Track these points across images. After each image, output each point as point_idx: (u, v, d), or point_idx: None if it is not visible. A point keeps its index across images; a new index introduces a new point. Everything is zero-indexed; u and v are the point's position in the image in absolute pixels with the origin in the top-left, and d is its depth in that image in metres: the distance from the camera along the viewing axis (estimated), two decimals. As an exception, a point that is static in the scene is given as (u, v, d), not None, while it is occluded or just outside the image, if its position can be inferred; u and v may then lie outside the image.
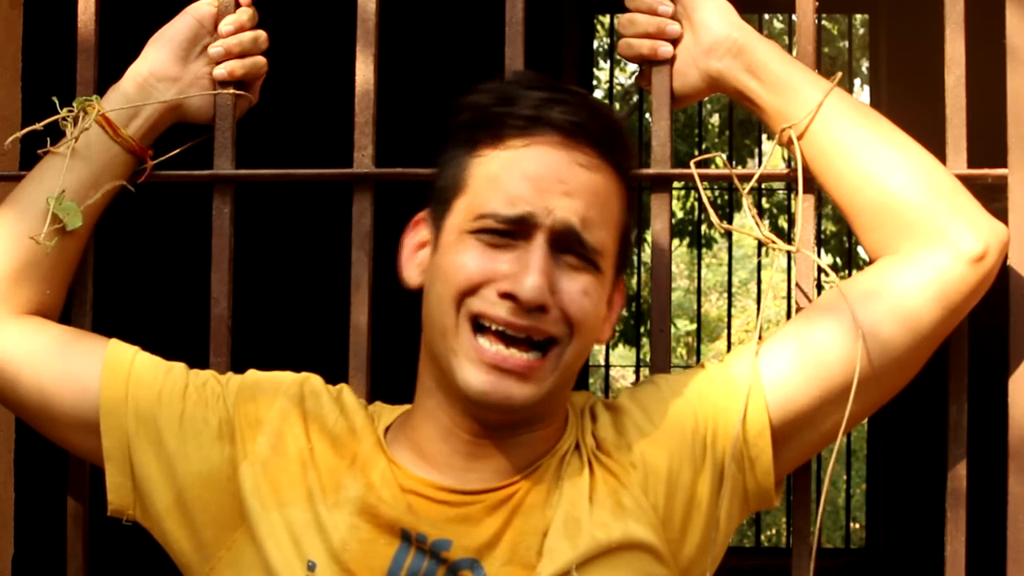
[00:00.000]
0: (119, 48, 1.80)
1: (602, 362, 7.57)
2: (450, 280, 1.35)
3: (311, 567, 1.35)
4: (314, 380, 1.49)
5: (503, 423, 1.38)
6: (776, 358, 1.44)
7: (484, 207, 1.35)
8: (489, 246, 1.34)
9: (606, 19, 7.10)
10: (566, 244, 1.35)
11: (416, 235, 1.45)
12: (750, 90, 1.53)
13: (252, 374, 1.50)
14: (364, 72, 1.63)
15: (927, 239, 1.43)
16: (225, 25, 1.62)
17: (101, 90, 1.63)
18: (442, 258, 1.38)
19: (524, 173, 1.35)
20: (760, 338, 1.46)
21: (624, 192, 1.42)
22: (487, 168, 1.37)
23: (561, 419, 1.44)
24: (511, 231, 1.34)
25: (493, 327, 1.33)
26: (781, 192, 7.88)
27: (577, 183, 1.35)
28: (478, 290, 1.33)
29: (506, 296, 1.32)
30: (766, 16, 7.30)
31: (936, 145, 1.51)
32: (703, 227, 7.83)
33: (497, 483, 1.38)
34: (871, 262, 1.50)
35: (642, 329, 7.60)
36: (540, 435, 1.41)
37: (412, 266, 1.44)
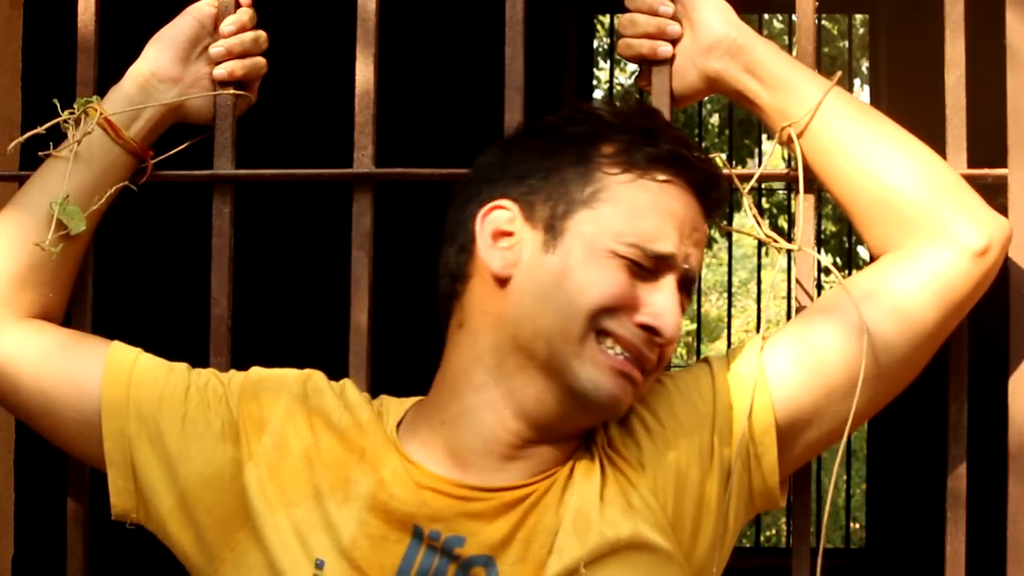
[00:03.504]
0: (119, 48, 1.80)
1: (602, 362, 7.56)
2: (586, 293, 1.35)
3: (319, 565, 1.34)
4: (317, 376, 1.48)
5: (583, 426, 1.40)
6: (779, 358, 1.44)
7: (634, 236, 1.36)
8: (631, 274, 1.36)
9: (606, 19, 7.10)
10: (684, 287, 1.39)
11: (494, 222, 1.40)
12: (749, 90, 1.53)
13: (255, 372, 1.50)
14: (364, 72, 1.63)
15: (929, 234, 1.43)
16: (227, 25, 1.62)
17: (101, 90, 1.63)
18: (569, 267, 1.36)
19: (671, 212, 1.37)
20: (762, 334, 1.46)
21: None
22: (633, 194, 1.37)
23: None
24: (652, 267, 1.36)
25: (618, 348, 1.35)
26: (781, 192, 7.89)
27: (702, 234, 1.41)
28: (615, 312, 1.35)
29: (646, 328, 1.35)
30: (766, 16, 7.30)
31: (936, 145, 1.51)
32: (703, 227, 7.82)
33: (518, 482, 1.38)
34: (873, 259, 1.50)
35: (642, 329, 7.59)
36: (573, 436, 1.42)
37: (497, 254, 1.39)
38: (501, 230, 1.40)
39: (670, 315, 1.36)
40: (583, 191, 1.38)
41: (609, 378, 1.35)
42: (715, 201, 1.43)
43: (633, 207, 1.37)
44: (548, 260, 1.37)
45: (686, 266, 1.38)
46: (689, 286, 1.40)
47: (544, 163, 1.41)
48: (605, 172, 1.39)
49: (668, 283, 1.37)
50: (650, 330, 1.35)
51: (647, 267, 1.36)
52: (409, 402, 1.47)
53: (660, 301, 1.36)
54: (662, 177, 1.38)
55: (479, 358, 1.40)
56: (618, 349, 1.35)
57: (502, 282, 1.39)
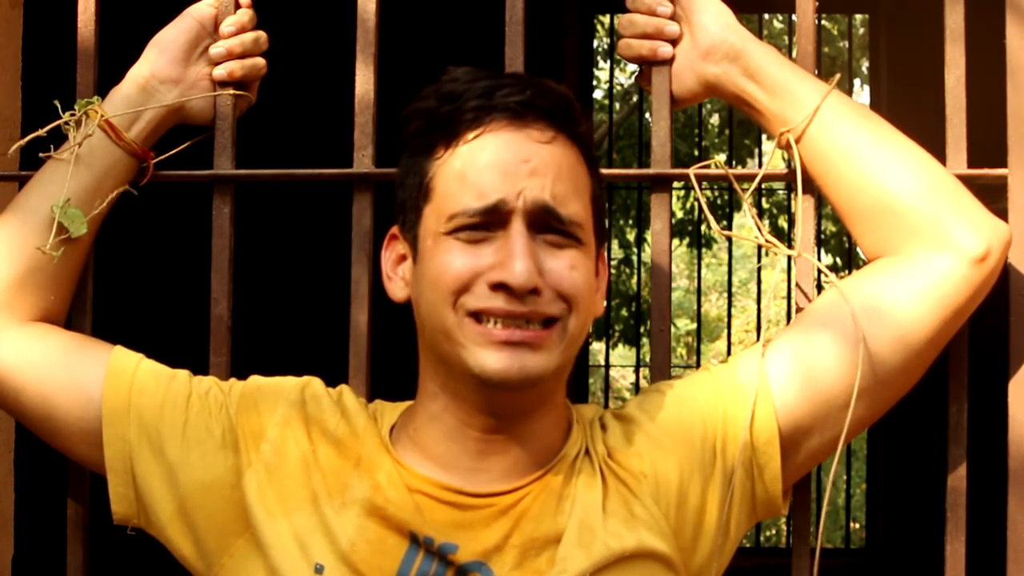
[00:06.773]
0: (119, 48, 1.80)
1: (602, 362, 7.57)
2: (439, 284, 1.34)
3: (319, 570, 1.35)
4: (315, 384, 1.48)
5: (519, 405, 1.37)
6: (779, 368, 1.44)
7: (454, 206, 1.34)
8: (468, 243, 1.33)
9: (606, 19, 7.10)
10: (543, 223, 1.33)
11: (392, 251, 1.44)
12: (748, 94, 1.53)
13: (254, 380, 1.50)
14: (364, 73, 1.63)
15: (929, 240, 1.43)
16: (227, 26, 1.62)
17: (101, 90, 1.63)
18: (426, 265, 1.36)
19: (486, 162, 1.34)
20: (763, 341, 1.45)
21: (587, 161, 1.40)
22: (449, 168, 1.36)
23: (563, 411, 1.44)
24: (486, 223, 1.33)
25: (492, 321, 1.32)
26: (781, 192, 7.88)
27: (540, 159, 1.34)
28: (469, 287, 1.32)
29: (498, 287, 1.31)
30: (766, 16, 7.31)
31: (936, 145, 1.51)
32: (703, 227, 7.83)
33: (505, 487, 1.38)
34: (869, 262, 1.49)
35: (642, 329, 7.60)
36: (545, 426, 1.40)
37: (396, 281, 1.44)
38: (398, 256, 1.44)
39: (515, 262, 1.30)
40: (421, 190, 1.38)
41: (493, 352, 1.31)
42: (546, 112, 1.35)
43: (452, 181, 1.35)
44: (418, 270, 1.39)
45: (523, 203, 1.32)
46: (547, 219, 1.32)
47: (399, 178, 1.43)
48: (430, 161, 1.38)
49: (511, 232, 1.32)
50: (501, 286, 1.31)
51: (481, 228, 1.32)
52: (403, 406, 1.47)
53: (504, 252, 1.31)
54: (471, 135, 1.35)
55: (427, 368, 1.42)
56: (492, 322, 1.32)
57: (410, 302, 1.41)
